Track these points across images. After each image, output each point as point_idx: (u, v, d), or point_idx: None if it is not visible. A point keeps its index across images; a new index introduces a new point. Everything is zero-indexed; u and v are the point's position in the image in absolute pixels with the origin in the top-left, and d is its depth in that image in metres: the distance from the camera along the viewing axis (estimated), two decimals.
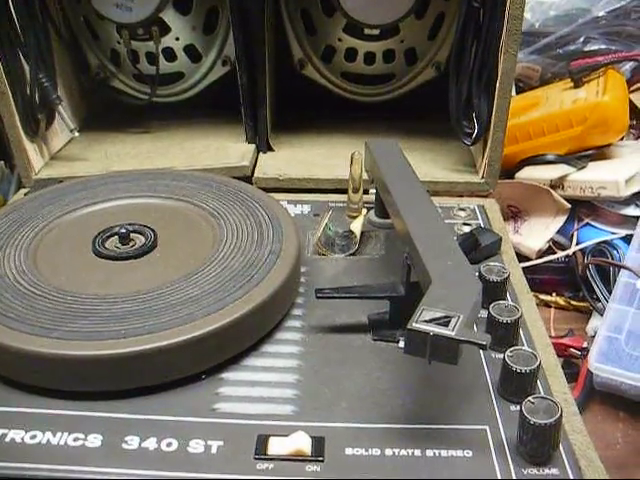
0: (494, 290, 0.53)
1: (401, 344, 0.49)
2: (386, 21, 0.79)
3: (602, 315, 0.71)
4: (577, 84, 0.86)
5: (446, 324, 0.38)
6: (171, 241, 0.57)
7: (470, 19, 0.68)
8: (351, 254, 0.62)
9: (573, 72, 0.87)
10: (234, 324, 0.46)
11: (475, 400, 0.45)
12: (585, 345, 0.72)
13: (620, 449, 0.62)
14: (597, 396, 0.67)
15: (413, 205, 0.53)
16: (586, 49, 0.92)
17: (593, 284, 0.76)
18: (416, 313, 0.39)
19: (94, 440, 0.42)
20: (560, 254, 0.82)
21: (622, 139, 0.85)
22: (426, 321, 0.39)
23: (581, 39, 0.92)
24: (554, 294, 0.81)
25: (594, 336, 0.69)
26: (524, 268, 0.62)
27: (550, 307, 0.81)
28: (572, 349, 0.72)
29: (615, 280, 0.72)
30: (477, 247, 0.59)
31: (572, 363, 0.71)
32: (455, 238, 0.57)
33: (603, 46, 0.91)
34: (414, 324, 0.38)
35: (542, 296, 0.80)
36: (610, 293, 0.72)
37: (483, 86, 0.70)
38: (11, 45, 0.71)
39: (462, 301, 0.41)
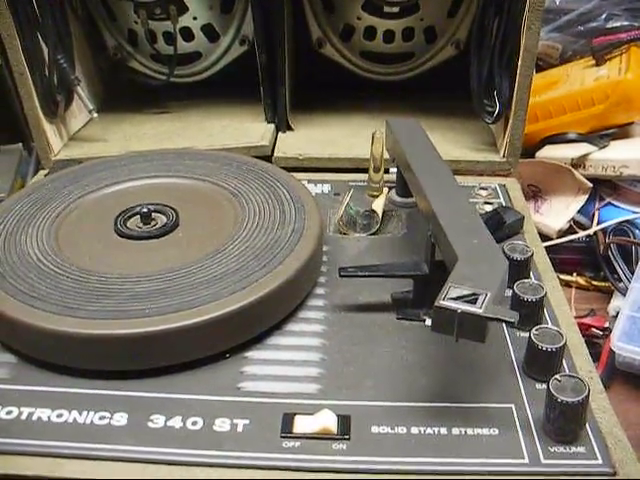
0: (518, 269, 0.52)
1: (427, 322, 0.49)
2: None
3: (624, 295, 0.71)
4: (599, 62, 0.85)
5: (474, 301, 0.38)
6: (193, 220, 0.57)
7: None
8: (373, 233, 0.61)
9: (595, 50, 0.85)
10: (258, 302, 0.46)
11: (500, 378, 0.45)
12: (607, 325, 0.71)
13: None
14: (619, 376, 0.67)
15: (437, 184, 0.53)
16: (608, 26, 0.90)
17: (615, 264, 0.76)
18: (443, 290, 0.39)
19: (120, 419, 0.42)
20: (581, 234, 0.81)
21: None
22: (453, 299, 0.38)
23: (603, 16, 0.91)
24: (575, 274, 0.81)
25: (615, 316, 0.69)
26: (545, 248, 0.61)
27: (571, 287, 0.80)
28: (594, 329, 0.71)
29: (637, 259, 0.72)
30: (502, 225, 0.59)
31: (594, 343, 0.70)
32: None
33: (626, 23, 0.90)
34: (441, 301, 0.38)
35: (563, 276, 0.80)
36: (632, 273, 0.72)
37: (505, 64, 0.70)
38: (30, 26, 0.71)
39: (489, 279, 0.40)
